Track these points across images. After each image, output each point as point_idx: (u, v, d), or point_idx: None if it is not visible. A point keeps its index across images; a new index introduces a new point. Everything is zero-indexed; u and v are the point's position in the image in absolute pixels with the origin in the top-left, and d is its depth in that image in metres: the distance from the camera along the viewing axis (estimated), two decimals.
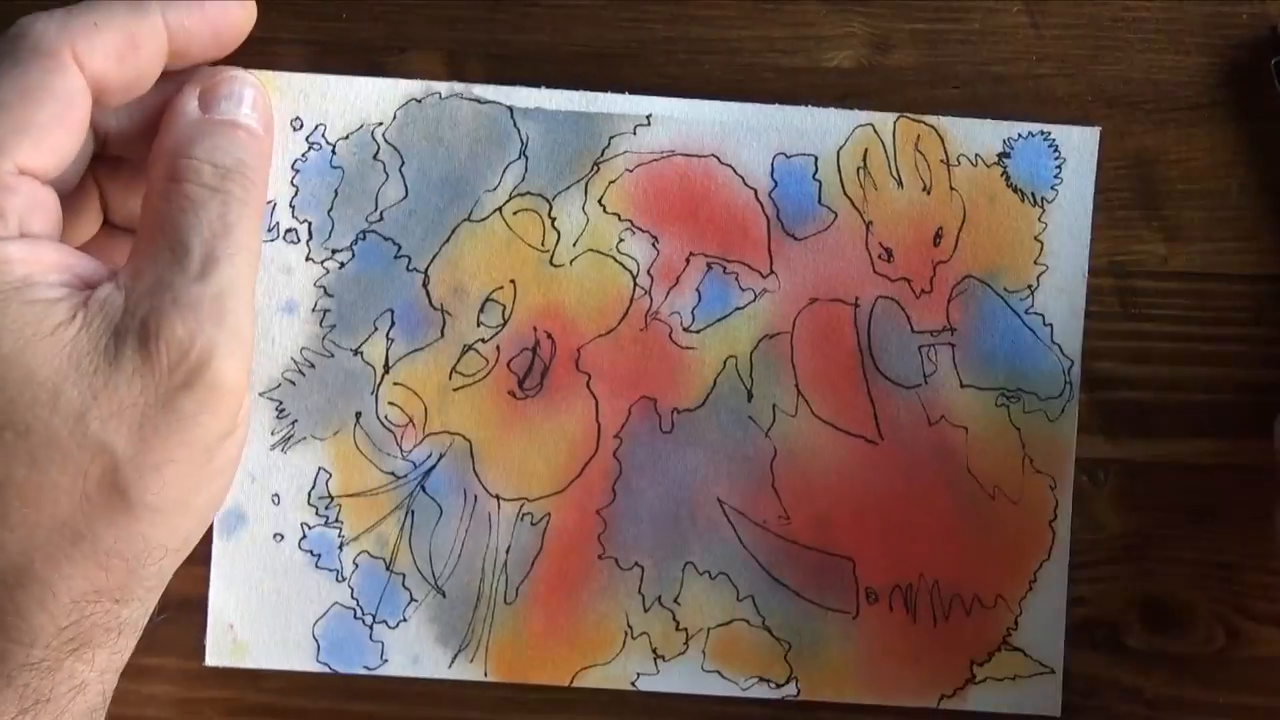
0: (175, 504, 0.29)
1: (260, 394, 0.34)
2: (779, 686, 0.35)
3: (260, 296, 0.34)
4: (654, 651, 0.35)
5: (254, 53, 0.36)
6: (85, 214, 0.33)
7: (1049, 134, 0.35)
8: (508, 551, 0.35)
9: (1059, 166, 0.35)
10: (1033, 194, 0.35)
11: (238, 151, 0.31)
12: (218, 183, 0.30)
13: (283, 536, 0.34)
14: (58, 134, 0.29)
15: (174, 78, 0.32)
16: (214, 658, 0.34)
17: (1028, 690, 0.35)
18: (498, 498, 0.35)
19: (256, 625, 0.34)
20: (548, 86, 0.35)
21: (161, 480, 0.28)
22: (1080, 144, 0.35)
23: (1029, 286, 0.35)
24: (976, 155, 0.35)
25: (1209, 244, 0.36)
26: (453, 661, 0.35)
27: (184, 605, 0.35)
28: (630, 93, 0.35)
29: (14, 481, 0.27)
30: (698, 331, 0.35)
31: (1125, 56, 0.36)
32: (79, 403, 0.27)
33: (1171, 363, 0.36)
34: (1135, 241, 0.36)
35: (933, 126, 0.35)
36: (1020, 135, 0.35)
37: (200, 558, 0.34)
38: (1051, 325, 0.35)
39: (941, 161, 0.35)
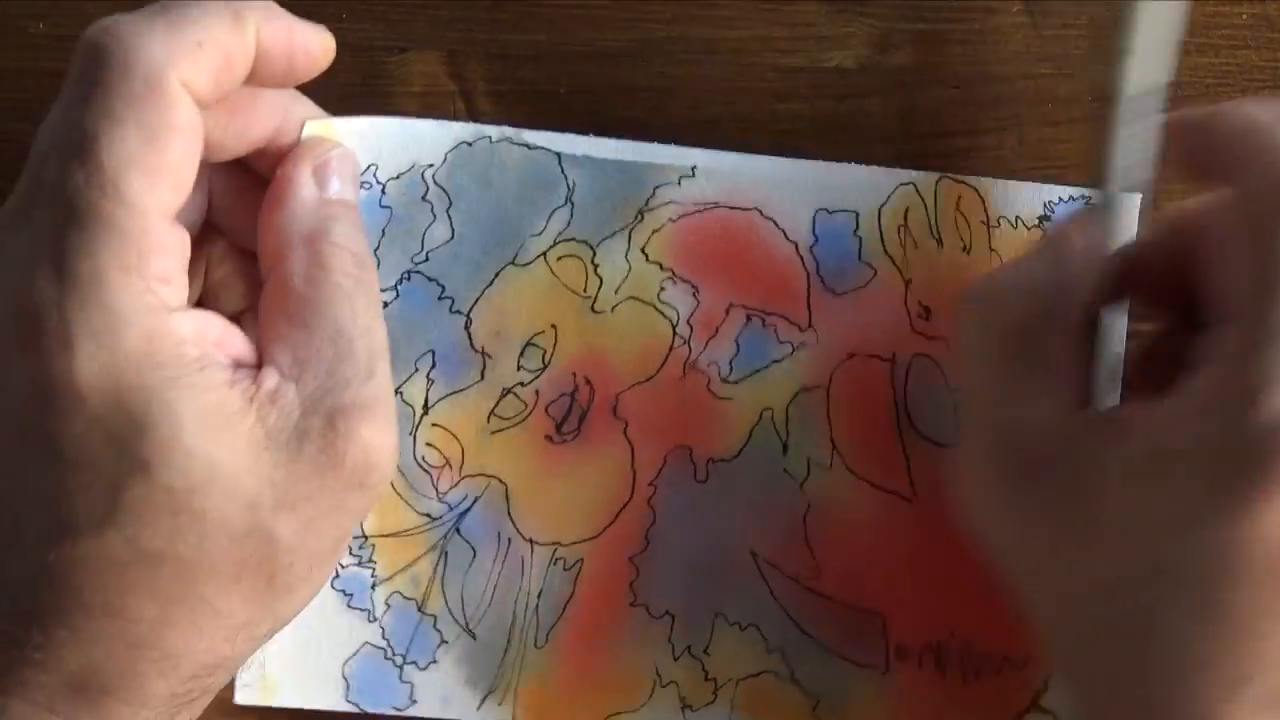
0: (308, 584, 0.29)
1: None
2: None
3: None
4: (682, 700, 0.34)
5: None
6: None
7: (1090, 199, 0.34)
8: (539, 596, 0.35)
9: None
10: None
11: (361, 238, 0.30)
12: (359, 273, 0.29)
13: None
14: (188, 175, 0.27)
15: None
16: (244, 696, 0.34)
17: None
18: (531, 541, 0.35)
19: (287, 664, 0.34)
20: (594, 132, 0.35)
21: (309, 564, 0.28)
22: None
23: None
24: (1017, 218, 0.35)
25: None
26: (481, 704, 0.34)
27: None
28: (675, 138, 0.35)
29: (175, 558, 0.26)
30: (735, 382, 0.35)
31: None
32: (254, 492, 0.27)
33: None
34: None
35: (974, 188, 0.35)
36: (1061, 199, 0.35)
37: None
38: None
39: (982, 222, 0.35)
